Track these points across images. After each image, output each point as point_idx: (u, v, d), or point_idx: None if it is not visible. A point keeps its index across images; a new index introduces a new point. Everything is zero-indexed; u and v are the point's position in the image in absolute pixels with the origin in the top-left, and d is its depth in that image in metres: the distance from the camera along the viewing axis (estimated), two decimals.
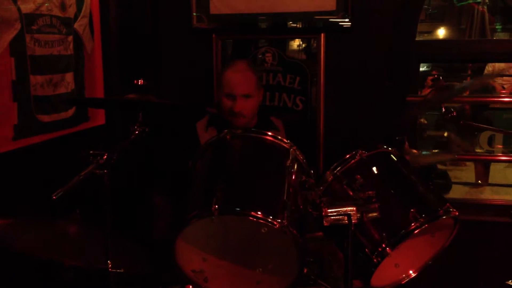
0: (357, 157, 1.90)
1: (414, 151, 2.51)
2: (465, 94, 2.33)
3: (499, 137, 6.04)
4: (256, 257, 1.77)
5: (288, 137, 1.88)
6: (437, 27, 12.70)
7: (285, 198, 1.66)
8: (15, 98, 2.32)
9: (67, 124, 2.74)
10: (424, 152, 2.63)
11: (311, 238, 2.06)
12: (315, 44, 3.25)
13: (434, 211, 1.81)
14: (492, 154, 6.06)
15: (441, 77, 2.36)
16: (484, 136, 6.12)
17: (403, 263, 1.95)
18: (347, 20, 3.13)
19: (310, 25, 3.21)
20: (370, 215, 1.63)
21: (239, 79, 2.57)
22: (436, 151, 2.89)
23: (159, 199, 2.69)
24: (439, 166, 5.59)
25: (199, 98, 3.34)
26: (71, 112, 2.76)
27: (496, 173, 6.49)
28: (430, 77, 6.88)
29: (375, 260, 1.74)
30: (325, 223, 1.61)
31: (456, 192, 5.67)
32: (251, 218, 1.58)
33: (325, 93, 3.22)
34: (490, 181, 6.28)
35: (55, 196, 1.52)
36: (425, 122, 6.90)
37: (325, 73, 3.21)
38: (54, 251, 1.85)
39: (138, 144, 1.87)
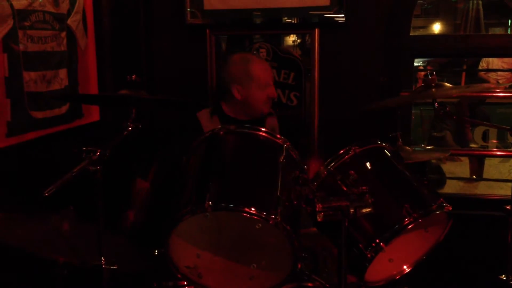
0: (351, 153, 1.90)
1: (408, 148, 2.52)
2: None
3: (493, 132, 6.07)
4: (250, 253, 1.78)
5: (282, 132, 1.88)
6: (432, 22, 12.73)
7: (278, 193, 1.66)
8: (8, 95, 2.31)
9: (61, 121, 2.73)
10: (417, 149, 2.63)
11: (305, 234, 2.06)
12: (309, 40, 3.25)
13: (428, 206, 1.82)
14: (486, 149, 6.10)
15: (434, 73, 2.36)
16: (478, 131, 6.15)
17: (397, 258, 1.95)
18: (341, 15, 3.13)
19: (305, 20, 3.21)
20: (364, 210, 1.63)
21: (268, 67, 2.74)
22: (430, 147, 2.89)
23: (138, 182, 2.66)
24: (434, 161, 5.60)
25: (193, 94, 3.34)
26: (64, 108, 2.75)
27: (491, 168, 6.52)
28: (423, 73, 6.89)
29: (369, 255, 1.75)
30: (319, 219, 1.62)
31: (451, 187, 5.69)
32: (244, 214, 1.58)
33: (320, 89, 3.22)
34: (484, 176, 6.31)
35: (47, 192, 1.52)
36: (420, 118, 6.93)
37: (320, 68, 3.21)
38: (48, 248, 1.84)
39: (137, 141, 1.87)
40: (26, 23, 2.40)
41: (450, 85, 2.36)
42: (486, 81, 7.86)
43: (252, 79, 2.64)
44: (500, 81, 7.67)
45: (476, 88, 3.99)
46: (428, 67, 7.99)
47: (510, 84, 7.30)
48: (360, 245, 1.78)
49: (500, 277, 2.39)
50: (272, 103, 2.73)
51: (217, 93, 3.07)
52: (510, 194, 2.33)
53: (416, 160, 2.43)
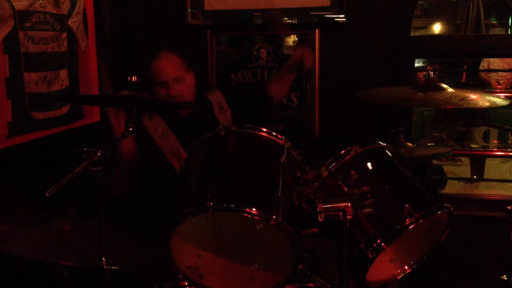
0: (352, 153, 1.90)
1: (409, 144, 2.52)
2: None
3: (494, 132, 6.07)
4: (251, 253, 1.77)
5: (283, 133, 1.88)
6: (433, 22, 12.73)
7: (279, 194, 1.65)
8: (9, 96, 2.31)
9: (62, 122, 2.73)
10: (419, 145, 2.62)
11: (306, 234, 2.06)
12: (310, 40, 3.25)
13: (429, 206, 1.82)
14: (487, 149, 6.09)
15: (436, 73, 2.36)
16: (479, 131, 6.14)
17: (398, 259, 1.95)
18: (342, 16, 3.13)
19: (305, 21, 3.21)
20: (365, 210, 1.63)
21: (169, 64, 2.57)
22: (431, 144, 2.89)
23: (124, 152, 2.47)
24: (435, 161, 5.60)
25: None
26: (65, 109, 2.75)
27: (491, 168, 6.51)
28: (423, 73, 6.89)
29: (370, 255, 1.75)
30: (320, 219, 1.62)
31: (452, 187, 5.68)
32: (245, 214, 1.58)
33: (320, 89, 3.22)
34: (485, 176, 6.29)
35: (48, 193, 1.52)
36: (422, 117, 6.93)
37: (320, 69, 3.21)
38: (49, 249, 1.84)
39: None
40: (27, 24, 2.40)
41: (452, 90, 2.33)
42: (486, 81, 7.87)
43: (164, 77, 2.53)
44: (501, 81, 7.67)
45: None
46: (428, 67, 7.99)
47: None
48: (361, 246, 1.78)
49: (501, 277, 2.39)
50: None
51: None
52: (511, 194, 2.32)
53: (418, 156, 2.42)
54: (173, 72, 2.55)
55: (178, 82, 2.55)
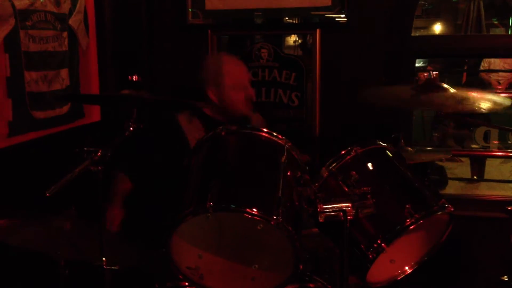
0: (353, 153, 1.90)
1: (409, 148, 2.52)
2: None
3: (494, 132, 6.06)
4: (251, 254, 1.77)
5: (284, 134, 1.87)
6: (433, 22, 12.72)
7: (280, 194, 1.65)
8: (9, 95, 2.31)
9: (63, 121, 2.73)
10: (419, 150, 2.63)
11: (307, 235, 2.06)
12: (311, 40, 3.25)
13: (429, 207, 1.82)
14: (487, 149, 6.09)
15: (436, 73, 2.35)
16: (479, 132, 6.14)
17: (398, 259, 1.95)
18: (343, 15, 3.12)
19: (306, 20, 3.21)
20: (365, 211, 1.63)
21: (242, 68, 2.65)
22: (430, 148, 2.89)
23: (117, 174, 2.53)
24: (436, 162, 5.59)
25: (194, 94, 3.33)
26: (66, 108, 2.75)
27: (492, 168, 6.51)
28: (424, 73, 6.89)
29: (370, 256, 1.74)
30: (320, 219, 1.61)
31: (452, 188, 5.68)
32: (246, 214, 1.58)
33: (321, 89, 3.22)
34: (485, 176, 6.30)
35: (48, 193, 1.52)
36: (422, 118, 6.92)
37: (321, 68, 3.21)
38: (50, 248, 1.84)
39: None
40: (28, 23, 2.40)
41: (453, 90, 2.33)
42: (486, 81, 7.86)
43: (225, 81, 2.56)
44: (501, 82, 7.66)
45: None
46: (429, 68, 7.99)
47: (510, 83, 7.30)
48: (362, 246, 1.77)
49: (502, 278, 2.39)
50: (251, 103, 2.63)
51: (196, 95, 3.00)
52: None
53: (418, 161, 2.43)
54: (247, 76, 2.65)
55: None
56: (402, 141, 2.49)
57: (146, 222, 2.45)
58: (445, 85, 2.32)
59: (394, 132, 2.50)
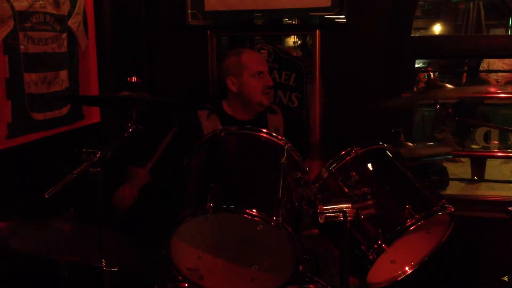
0: (352, 154, 1.90)
1: (410, 143, 2.51)
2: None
3: (495, 133, 6.06)
4: (251, 255, 1.77)
5: (284, 132, 1.87)
6: (433, 23, 12.72)
7: (280, 195, 1.65)
8: (8, 96, 2.31)
9: (62, 122, 2.72)
10: (419, 145, 2.61)
11: (307, 235, 2.06)
12: (310, 41, 3.24)
13: (430, 207, 1.81)
14: (488, 150, 6.08)
15: (436, 74, 2.35)
16: (480, 132, 6.13)
17: (399, 260, 1.95)
18: (342, 16, 3.12)
19: (306, 21, 3.20)
20: (366, 212, 1.62)
21: (260, 57, 2.80)
22: (431, 143, 2.88)
23: (136, 168, 2.50)
24: (439, 162, 5.58)
25: (194, 95, 3.33)
26: (65, 110, 2.74)
27: (492, 169, 6.50)
28: (423, 74, 6.88)
29: (371, 257, 1.74)
30: (321, 220, 1.61)
31: (452, 188, 5.67)
32: (246, 215, 1.57)
33: (321, 90, 3.21)
34: (486, 177, 6.29)
35: (47, 194, 1.51)
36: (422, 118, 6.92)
37: (321, 69, 3.20)
38: (49, 250, 1.84)
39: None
40: (27, 25, 2.40)
41: (452, 86, 2.35)
42: (486, 81, 7.86)
43: (244, 68, 2.64)
44: (499, 81, 7.65)
45: (476, 90, 3.98)
46: (429, 68, 7.98)
47: (507, 82, 7.29)
48: (362, 247, 1.77)
49: (502, 278, 2.39)
50: (272, 96, 2.74)
51: (218, 92, 3.05)
52: None
53: (419, 155, 2.41)
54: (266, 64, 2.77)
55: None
56: (402, 136, 2.48)
57: (148, 219, 2.45)
58: (447, 84, 2.33)
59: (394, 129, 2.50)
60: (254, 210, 1.57)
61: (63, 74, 2.71)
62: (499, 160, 6.78)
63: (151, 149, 2.61)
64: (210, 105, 2.70)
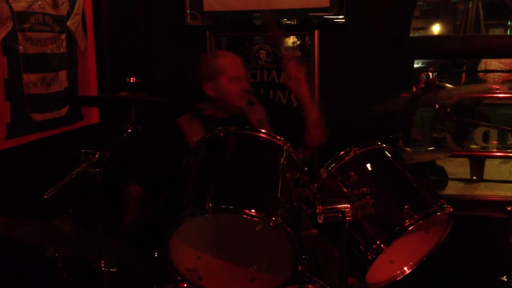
0: (351, 154, 1.90)
1: (408, 149, 2.51)
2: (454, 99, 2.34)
3: (493, 133, 6.06)
4: (250, 255, 1.77)
5: (283, 134, 1.87)
6: (432, 23, 12.72)
7: (279, 195, 1.65)
8: (7, 97, 2.31)
9: (61, 123, 2.72)
10: (418, 150, 2.62)
11: (306, 236, 2.06)
12: (309, 41, 3.25)
13: (428, 207, 1.82)
14: (487, 150, 6.08)
15: (435, 74, 2.35)
16: (479, 132, 6.14)
17: (398, 260, 1.95)
18: (341, 16, 3.12)
19: (304, 22, 3.20)
20: (364, 212, 1.62)
21: (237, 60, 2.63)
22: (430, 148, 2.89)
23: (132, 187, 2.55)
24: (437, 162, 5.58)
25: (193, 95, 3.33)
26: (64, 110, 2.74)
27: (491, 169, 6.50)
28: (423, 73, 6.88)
29: (369, 257, 1.74)
30: (320, 221, 1.61)
31: (451, 188, 5.67)
32: (245, 216, 1.57)
33: (320, 90, 3.21)
34: (485, 177, 6.29)
35: (46, 195, 1.51)
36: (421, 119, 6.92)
37: (320, 70, 3.20)
38: (48, 250, 1.84)
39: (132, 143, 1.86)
40: (26, 25, 2.40)
41: (452, 86, 2.35)
42: (484, 81, 7.87)
43: (220, 74, 2.55)
44: (496, 80, 7.66)
45: (475, 90, 3.97)
46: (430, 69, 7.98)
47: (504, 81, 7.30)
48: (361, 247, 1.77)
49: (501, 278, 2.39)
50: (250, 95, 2.62)
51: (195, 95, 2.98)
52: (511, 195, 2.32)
53: (418, 161, 2.42)
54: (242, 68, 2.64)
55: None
56: (400, 141, 2.49)
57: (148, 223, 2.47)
58: (446, 84, 2.33)
59: (393, 132, 2.50)
60: (253, 211, 1.57)
61: (62, 74, 2.71)
62: (498, 160, 6.78)
63: (149, 149, 2.63)
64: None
